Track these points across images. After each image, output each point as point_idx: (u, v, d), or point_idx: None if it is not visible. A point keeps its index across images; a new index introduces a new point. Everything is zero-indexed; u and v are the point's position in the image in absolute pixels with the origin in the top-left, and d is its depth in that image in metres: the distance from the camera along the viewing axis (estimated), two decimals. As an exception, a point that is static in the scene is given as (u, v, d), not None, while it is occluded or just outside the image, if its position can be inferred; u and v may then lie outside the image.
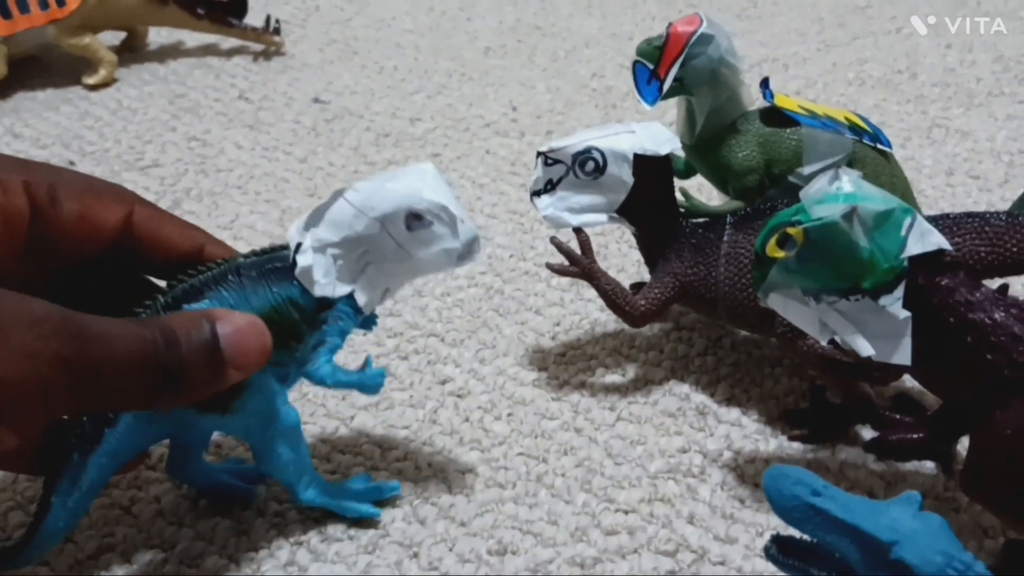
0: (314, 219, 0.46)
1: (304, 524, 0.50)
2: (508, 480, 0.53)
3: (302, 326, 0.46)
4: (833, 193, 0.42)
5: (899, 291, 0.42)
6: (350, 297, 0.47)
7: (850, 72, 1.00)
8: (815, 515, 0.35)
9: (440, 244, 0.46)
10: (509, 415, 0.57)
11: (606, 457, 0.54)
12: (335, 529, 0.49)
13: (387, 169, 0.83)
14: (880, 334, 0.42)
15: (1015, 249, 0.52)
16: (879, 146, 0.60)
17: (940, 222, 0.53)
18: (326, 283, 0.46)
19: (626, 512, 0.51)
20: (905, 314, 0.42)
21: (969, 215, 0.53)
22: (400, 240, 0.46)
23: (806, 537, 0.37)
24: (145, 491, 0.52)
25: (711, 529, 0.50)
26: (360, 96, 0.96)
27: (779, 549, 0.37)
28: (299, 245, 0.46)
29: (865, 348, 0.42)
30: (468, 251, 0.47)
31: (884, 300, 0.42)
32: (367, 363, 0.49)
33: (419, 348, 0.62)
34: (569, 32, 1.11)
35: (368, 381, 0.48)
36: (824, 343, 0.45)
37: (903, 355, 0.42)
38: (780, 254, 0.43)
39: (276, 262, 0.47)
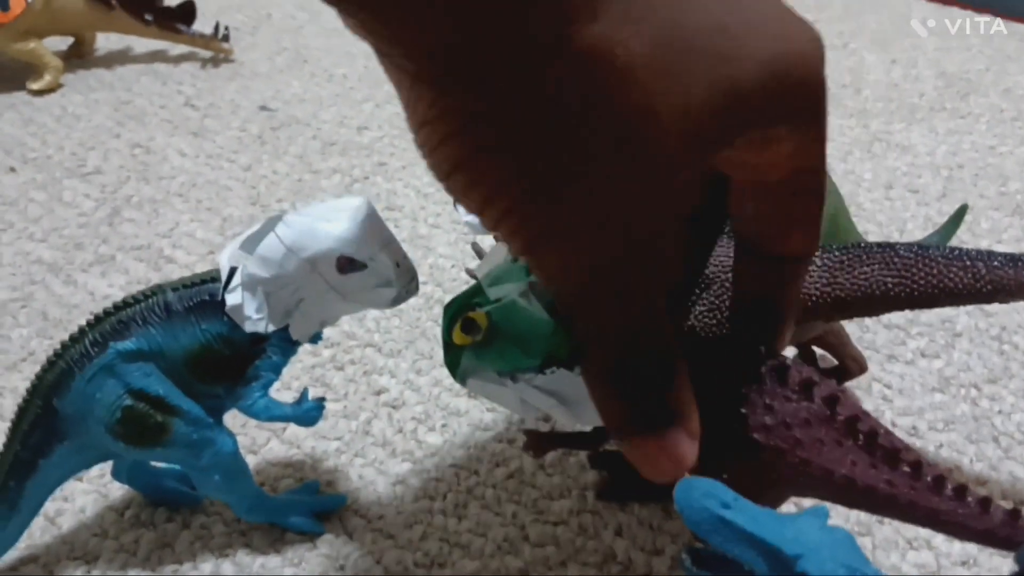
0: (248, 246, 0.45)
1: (230, 537, 0.49)
2: (439, 492, 0.53)
3: (234, 361, 0.46)
4: (510, 270, 0.39)
5: None
6: (284, 330, 0.46)
7: (796, 86, 1.01)
8: (724, 527, 0.35)
9: (374, 287, 0.45)
10: (443, 426, 0.57)
11: (538, 468, 0.54)
12: (261, 542, 0.49)
13: (331, 179, 0.83)
14: (581, 401, 0.38)
15: (922, 282, 0.52)
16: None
17: (850, 252, 0.53)
18: (258, 319, 0.45)
19: (555, 524, 0.51)
20: None
21: (880, 246, 0.53)
22: (332, 283, 0.44)
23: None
24: (71, 502, 0.51)
25: (638, 540, 0.50)
26: (308, 104, 0.96)
27: (693, 561, 0.37)
28: (231, 276, 0.45)
29: (569, 419, 0.40)
30: (405, 293, 0.45)
31: (579, 368, 0.37)
32: (304, 396, 0.48)
33: (355, 358, 0.62)
34: (521, 43, 1.11)
35: (303, 415, 0.47)
36: (530, 421, 0.42)
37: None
38: (467, 340, 0.39)
39: (205, 295, 0.45)
